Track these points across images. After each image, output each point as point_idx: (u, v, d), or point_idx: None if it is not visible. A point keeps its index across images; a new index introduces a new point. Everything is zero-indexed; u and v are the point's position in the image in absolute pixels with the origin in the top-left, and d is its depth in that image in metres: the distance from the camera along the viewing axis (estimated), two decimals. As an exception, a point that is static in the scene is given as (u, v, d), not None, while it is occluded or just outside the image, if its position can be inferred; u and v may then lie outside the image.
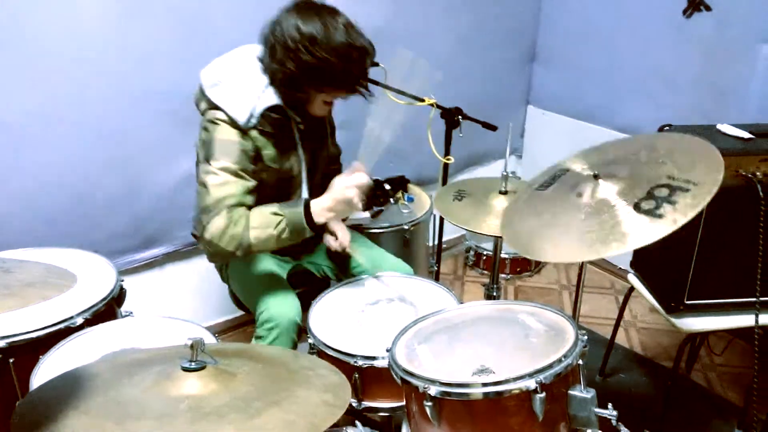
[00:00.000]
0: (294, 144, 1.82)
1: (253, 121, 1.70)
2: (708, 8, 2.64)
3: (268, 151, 1.76)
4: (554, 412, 1.23)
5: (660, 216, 1.34)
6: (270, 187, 1.80)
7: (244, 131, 1.70)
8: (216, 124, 1.69)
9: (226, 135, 1.69)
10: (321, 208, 1.71)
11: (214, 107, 1.70)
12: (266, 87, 1.71)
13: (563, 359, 1.23)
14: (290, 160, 1.83)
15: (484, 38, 3.14)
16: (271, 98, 1.70)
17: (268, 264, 1.96)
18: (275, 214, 1.68)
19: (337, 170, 2.09)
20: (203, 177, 1.68)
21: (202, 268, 2.52)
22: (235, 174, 1.68)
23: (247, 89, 1.70)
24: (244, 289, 1.97)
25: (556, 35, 3.33)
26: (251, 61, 1.73)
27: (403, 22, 2.79)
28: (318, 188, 1.95)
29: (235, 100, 1.69)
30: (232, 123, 1.68)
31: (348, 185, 1.71)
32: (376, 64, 2.15)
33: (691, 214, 1.30)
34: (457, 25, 3.02)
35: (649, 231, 1.32)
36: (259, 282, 1.89)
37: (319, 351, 1.64)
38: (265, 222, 1.67)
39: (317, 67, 1.63)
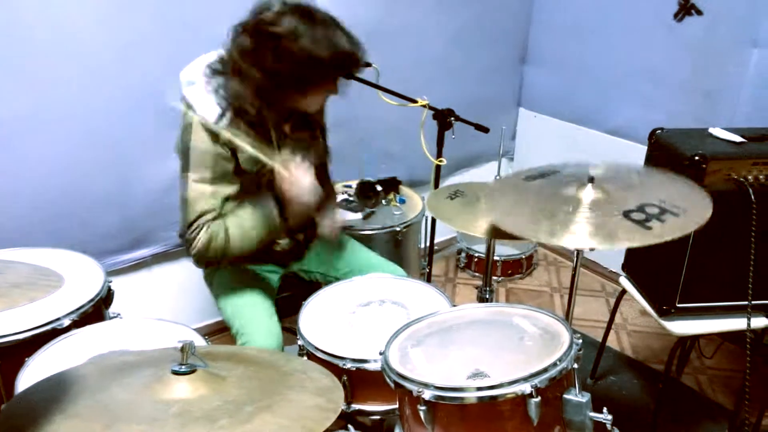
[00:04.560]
0: (272, 144, 1.76)
1: (225, 120, 1.64)
2: (699, 12, 2.65)
3: (244, 155, 1.69)
4: (549, 416, 1.22)
5: (649, 228, 1.38)
6: (254, 186, 1.76)
7: (216, 134, 1.64)
8: (190, 129, 1.65)
9: (200, 142, 1.64)
10: (291, 209, 1.73)
11: (189, 106, 1.66)
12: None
13: (558, 363, 1.23)
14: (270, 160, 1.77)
15: (474, 38, 3.14)
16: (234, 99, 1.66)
17: (254, 284, 1.91)
18: (252, 227, 1.71)
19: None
20: (183, 192, 1.69)
21: (190, 269, 2.46)
22: (212, 182, 1.66)
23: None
24: (227, 310, 1.89)
25: (548, 37, 3.34)
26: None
27: (394, 22, 2.78)
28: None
29: (206, 99, 1.64)
30: (205, 124, 1.63)
31: (298, 173, 1.71)
32: (369, 65, 2.14)
33: (678, 235, 1.36)
34: (448, 25, 3.01)
35: (635, 237, 1.37)
36: (244, 307, 1.84)
37: (308, 353, 1.63)
38: (244, 235, 1.71)
39: (306, 64, 1.58)
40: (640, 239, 1.34)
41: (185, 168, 1.67)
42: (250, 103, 1.64)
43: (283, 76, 1.60)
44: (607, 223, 1.40)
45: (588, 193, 1.51)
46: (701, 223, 1.39)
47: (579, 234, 1.38)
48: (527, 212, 1.51)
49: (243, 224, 1.71)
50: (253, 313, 1.82)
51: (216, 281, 1.95)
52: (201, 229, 1.67)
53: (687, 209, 1.43)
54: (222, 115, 1.64)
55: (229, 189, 1.70)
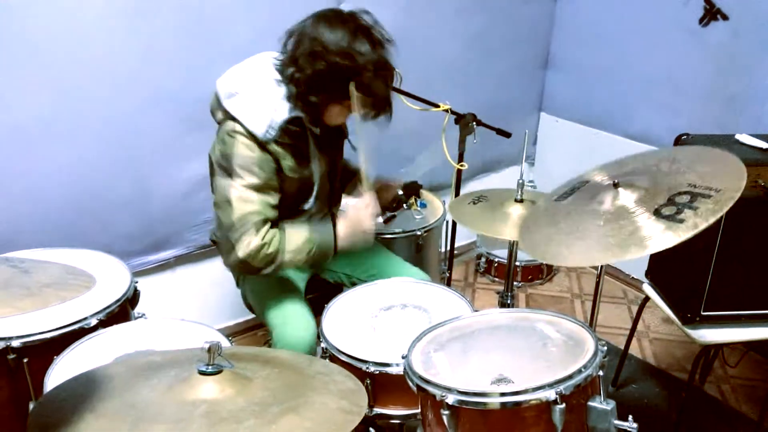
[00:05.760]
0: (312, 153, 1.80)
1: (272, 133, 1.67)
2: (725, 17, 2.62)
3: (288, 162, 1.74)
4: (573, 423, 1.21)
5: (681, 221, 1.32)
6: (290, 194, 1.80)
7: (262, 144, 1.67)
8: (234, 137, 1.66)
9: (245, 150, 1.66)
10: (345, 235, 1.79)
11: (231, 118, 1.67)
12: (282, 98, 1.68)
13: (583, 370, 1.22)
14: (309, 168, 1.80)
15: (496, 43, 3.13)
16: (289, 110, 1.68)
17: (286, 281, 1.94)
18: (307, 240, 1.74)
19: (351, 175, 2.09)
20: (226, 193, 1.67)
21: (213, 270, 2.52)
22: (258, 190, 1.68)
23: (264, 101, 1.67)
24: (260, 303, 1.92)
25: (570, 42, 3.32)
26: (268, 70, 1.70)
27: (415, 27, 2.79)
28: (338, 192, 1.99)
29: (252, 112, 1.66)
30: (251, 136, 1.66)
31: (364, 213, 1.79)
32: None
33: (713, 219, 1.29)
34: (469, 30, 3.00)
35: (668, 235, 1.31)
36: (277, 300, 1.86)
37: (331, 356, 1.63)
38: (298, 247, 1.72)
39: (337, 75, 1.61)
40: (674, 236, 1.29)
41: (229, 174, 1.67)
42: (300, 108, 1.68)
43: (318, 83, 1.63)
44: (638, 230, 1.35)
45: (617, 199, 1.47)
46: (735, 198, 1.31)
47: (611, 250, 1.34)
48: (560, 238, 1.49)
49: (299, 245, 1.72)
50: (287, 308, 1.83)
51: (249, 279, 1.98)
52: (250, 230, 1.65)
53: (719, 187, 1.36)
54: (269, 129, 1.66)
55: (275, 197, 1.73)
